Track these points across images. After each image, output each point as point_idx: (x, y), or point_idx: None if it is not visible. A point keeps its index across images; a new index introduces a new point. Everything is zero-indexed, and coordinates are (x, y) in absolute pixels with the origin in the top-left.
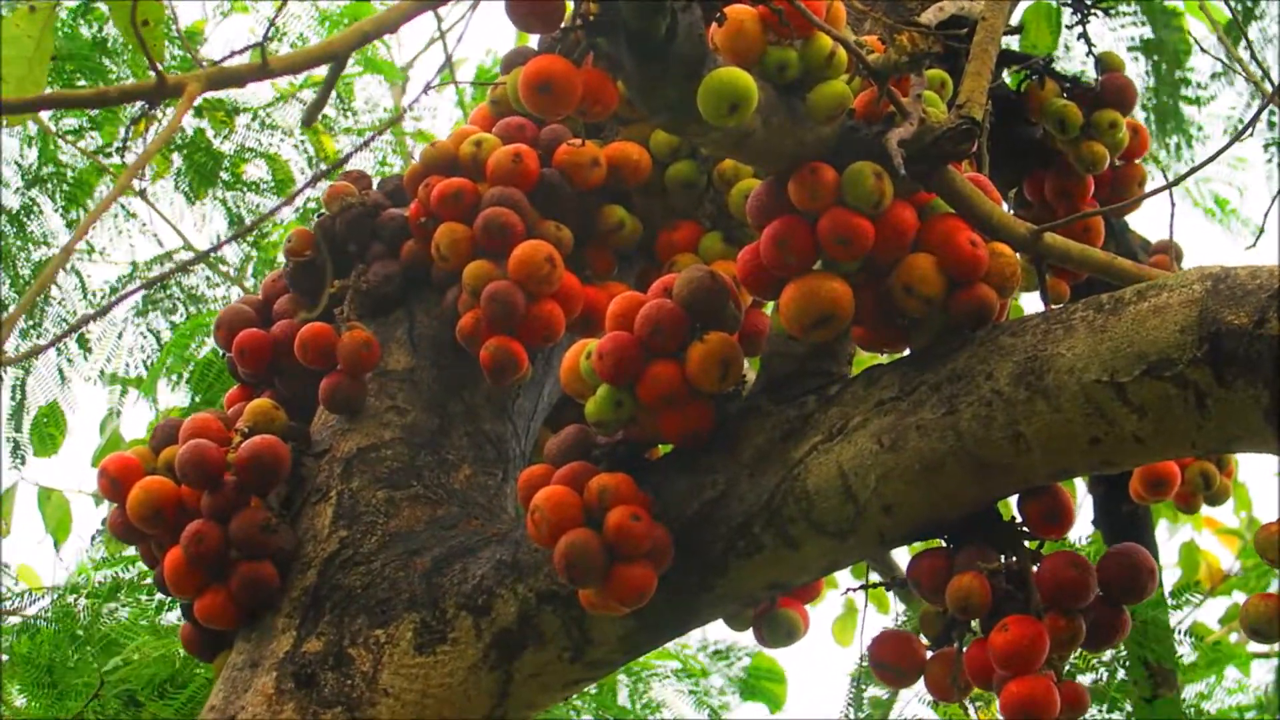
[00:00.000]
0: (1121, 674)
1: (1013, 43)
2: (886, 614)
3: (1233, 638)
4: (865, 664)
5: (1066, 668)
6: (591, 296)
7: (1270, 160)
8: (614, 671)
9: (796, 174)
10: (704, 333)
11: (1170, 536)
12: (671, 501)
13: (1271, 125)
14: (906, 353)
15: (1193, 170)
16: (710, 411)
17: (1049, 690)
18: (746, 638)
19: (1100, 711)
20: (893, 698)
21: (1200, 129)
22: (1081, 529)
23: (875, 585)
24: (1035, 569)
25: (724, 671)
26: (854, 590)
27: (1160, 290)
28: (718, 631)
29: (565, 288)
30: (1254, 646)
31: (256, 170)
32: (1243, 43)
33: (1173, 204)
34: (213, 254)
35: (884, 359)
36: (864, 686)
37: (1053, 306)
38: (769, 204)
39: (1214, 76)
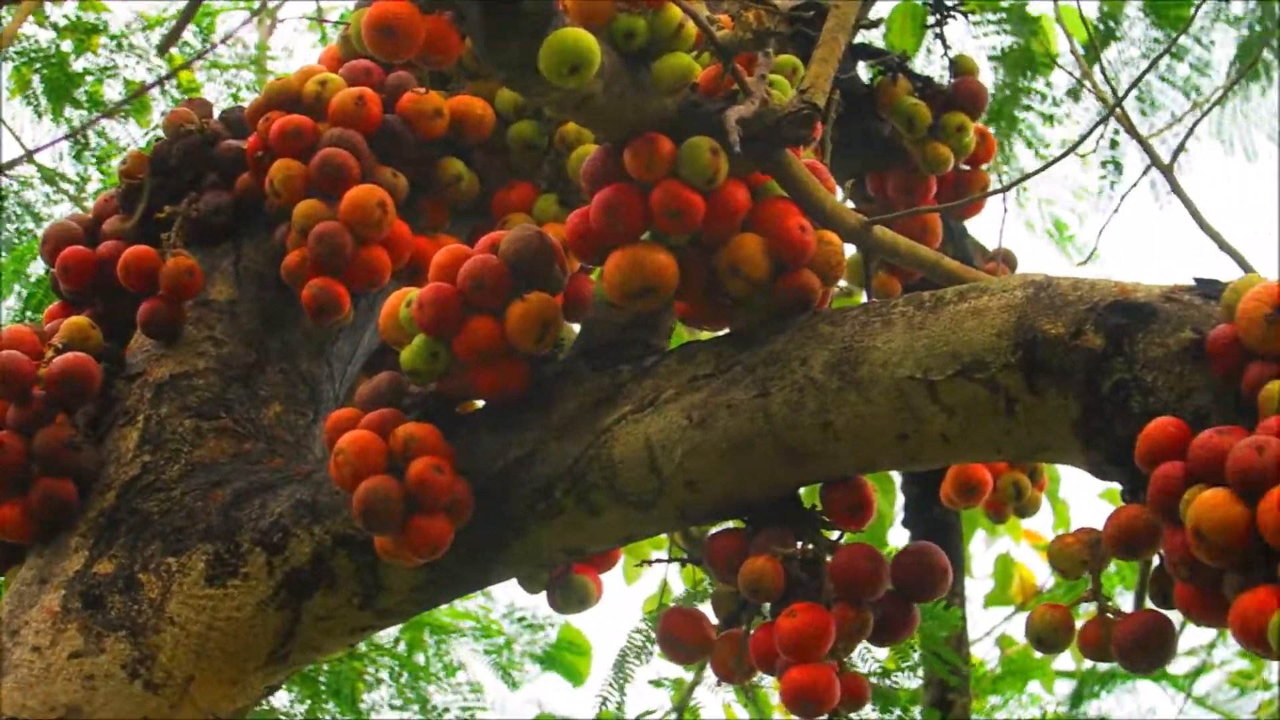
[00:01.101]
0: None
1: (875, 38)
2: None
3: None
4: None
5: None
6: (421, 247)
7: (1105, 178)
8: (403, 621)
9: (634, 143)
10: (526, 292)
11: (988, 548)
12: (477, 457)
13: (1113, 144)
14: (726, 332)
15: (1026, 177)
16: (525, 371)
17: (830, 680)
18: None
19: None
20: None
21: (1047, 145)
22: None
23: (680, 561)
24: (830, 559)
25: (528, 641)
26: (651, 563)
27: (982, 293)
28: (526, 600)
29: (395, 235)
30: (1060, 664)
31: (112, 92)
32: (1098, 65)
33: (1005, 210)
34: (33, 155)
35: (703, 336)
36: (630, 662)
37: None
38: (603, 170)
39: (1069, 93)
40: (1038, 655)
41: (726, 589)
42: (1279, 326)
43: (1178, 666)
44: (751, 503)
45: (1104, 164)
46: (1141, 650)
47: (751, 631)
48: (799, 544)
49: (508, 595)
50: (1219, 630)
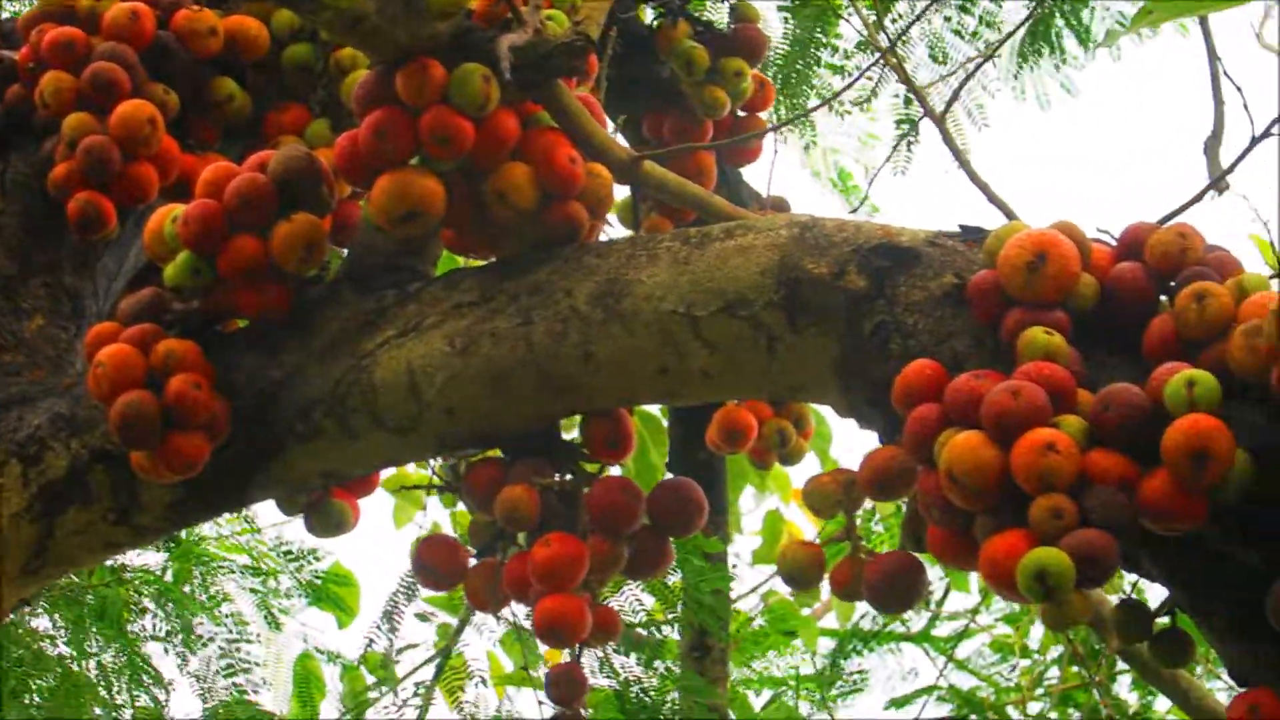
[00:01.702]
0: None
1: None
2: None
3: (805, 611)
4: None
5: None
6: (189, 164)
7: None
8: (158, 539)
9: (405, 66)
10: (292, 212)
11: (757, 505)
12: (238, 376)
13: (908, 102)
14: (492, 260)
15: (795, 118)
16: (289, 292)
17: (581, 610)
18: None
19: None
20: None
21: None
22: None
23: (438, 488)
24: (587, 491)
25: (294, 573)
26: (409, 489)
27: (748, 231)
28: (293, 532)
29: (164, 152)
30: (825, 621)
31: None
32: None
33: (776, 151)
34: None
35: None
36: (402, 598)
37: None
38: (374, 93)
39: (859, 46)
40: (790, 594)
41: (484, 518)
42: (1039, 274)
43: (941, 630)
44: (511, 433)
45: (898, 124)
46: (890, 590)
47: (506, 560)
48: (557, 475)
49: (276, 530)
50: (984, 596)
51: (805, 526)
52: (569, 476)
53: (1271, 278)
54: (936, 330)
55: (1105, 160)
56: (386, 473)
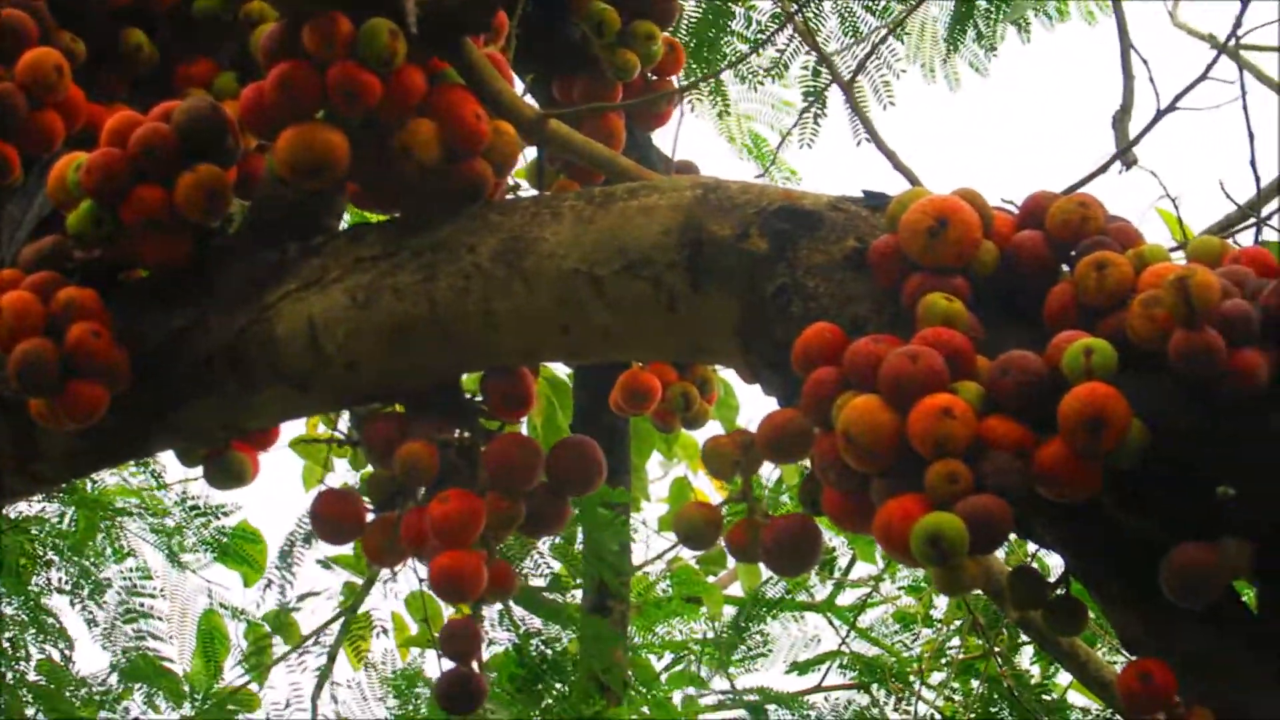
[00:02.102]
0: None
1: None
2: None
3: (710, 579)
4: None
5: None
6: (96, 114)
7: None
8: (58, 487)
9: (313, 19)
10: (196, 163)
11: (665, 473)
12: (139, 326)
13: (817, 74)
14: (397, 215)
15: (701, 79)
16: (191, 242)
17: (477, 566)
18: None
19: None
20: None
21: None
22: None
23: (338, 442)
24: (486, 448)
25: (199, 529)
26: (308, 441)
27: (652, 192)
28: (200, 488)
29: (70, 100)
30: (731, 590)
31: None
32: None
33: (682, 116)
34: None
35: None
36: (295, 549)
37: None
38: (281, 46)
39: (773, 18)
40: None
41: (383, 473)
42: (940, 239)
43: (844, 598)
44: (412, 388)
45: (805, 95)
46: (785, 552)
47: (404, 515)
48: (457, 432)
49: (181, 486)
50: (887, 565)
51: (712, 494)
52: (468, 433)
53: (1173, 250)
54: (837, 294)
55: (1019, 138)
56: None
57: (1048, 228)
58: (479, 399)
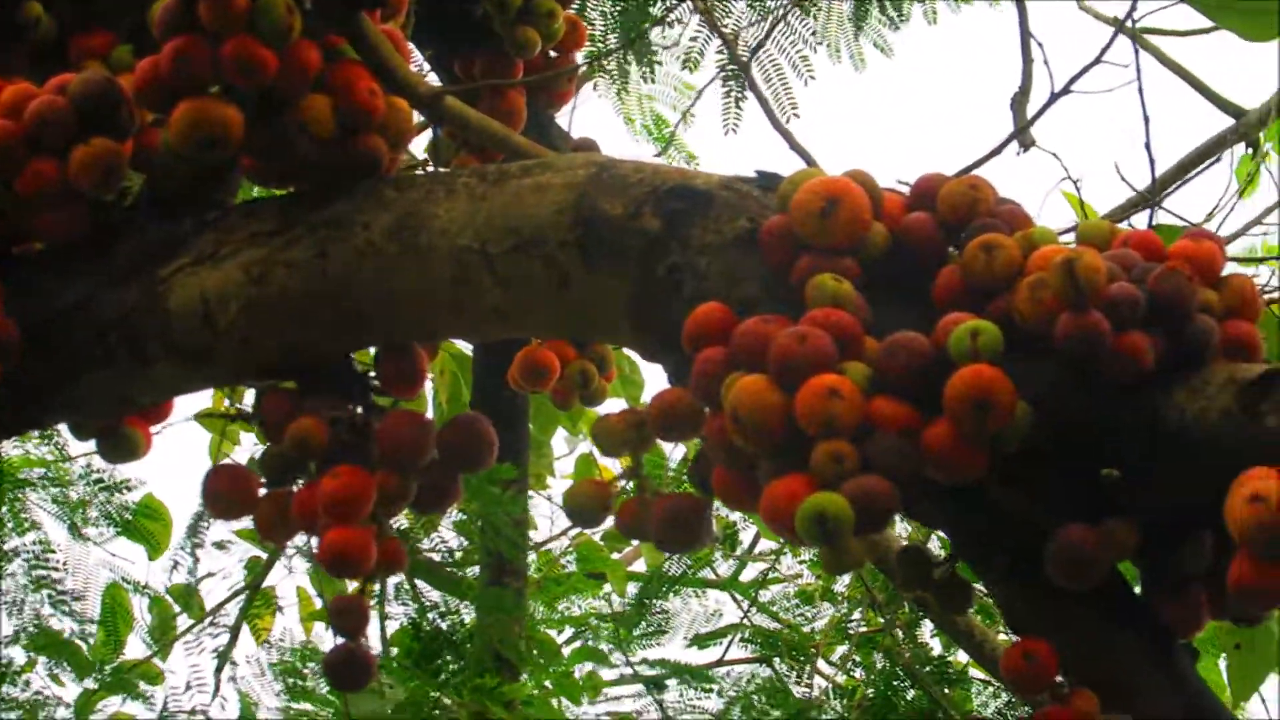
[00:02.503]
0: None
1: None
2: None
3: (615, 555)
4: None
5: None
6: None
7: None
8: None
9: None
10: (91, 136)
11: (570, 449)
12: (32, 299)
13: (720, 54)
14: (291, 191)
15: (599, 55)
16: (86, 216)
17: (367, 542)
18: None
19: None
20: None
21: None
22: None
23: (231, 417)
24: (378, 424)
25: (103, 504)
26: (207, 416)
27: (546, 170)
28: (101, 462)
29: None
30: (635, 567)
31: None
32: None
33: (576, 95)
34: None
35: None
36: (202, 524)
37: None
38: (176, 19)
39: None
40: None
41: (275, 449)
42: (831, 220)
43: (746, 574)
44: (306, 364)
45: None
46: (674, 530)
47: (296, 491)
48: (349, 407)
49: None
50: (785, 542)
51: (618, 470)
52: (362, 410)
53: (1063, 233)
54: (728, 273)
55: (925, 121)
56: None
57: (938, 209)
58: (373, 375)
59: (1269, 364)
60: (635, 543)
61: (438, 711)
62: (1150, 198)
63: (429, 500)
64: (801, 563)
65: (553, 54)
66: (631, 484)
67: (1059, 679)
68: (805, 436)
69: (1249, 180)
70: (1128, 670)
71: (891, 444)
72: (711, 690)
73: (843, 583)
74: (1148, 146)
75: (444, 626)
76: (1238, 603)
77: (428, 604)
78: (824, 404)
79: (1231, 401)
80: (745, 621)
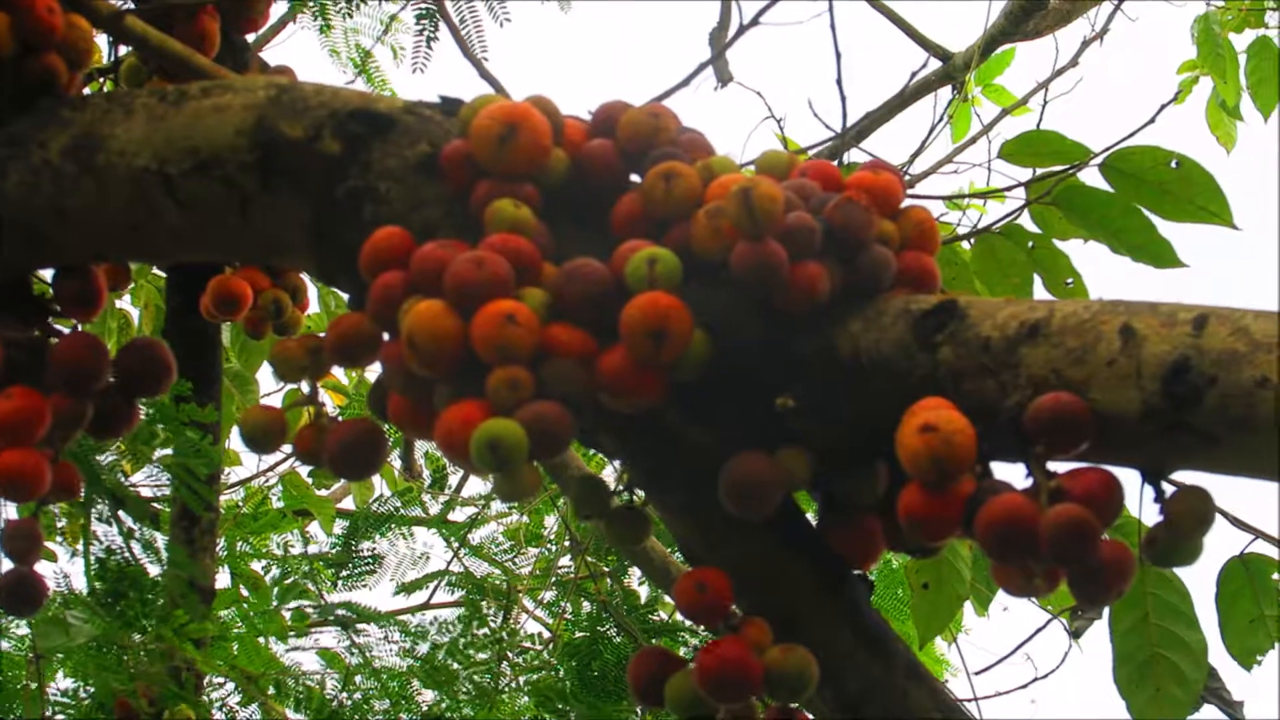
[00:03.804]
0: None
1: None
2: None
3: (322, 492)
4: None
5: None
6: None
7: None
8: None
9: None
10: None
11: (278, 384)
12: None
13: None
14: None
15: None
16: None
17: (42, 465)
18: None
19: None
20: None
21: None
22: None
23: None
24: (53, 346)
25: None
26: None
27: (226, 91)
28: None
29: None
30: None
31: None
32: None
33: (268, 18)
34: None
35: None
36: None
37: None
38: None
39: None
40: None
41: None
42: (509, 145)
43: (457, 515)
44: None
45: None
46: (348, 456)
47: None
48: (25, 329)
49: None
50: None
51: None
52: (39, 332)
53: (744, 165)
54: (409, 198)
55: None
56: None
57: (619, 137)
58: (49, 295)
59: (944, 294)
60: (343, 480)
61: (127, 652)
62: (841, 136)
63: (105, 425)
64: (512, 507)
65: None
66: (309, 409)
67: (732, 608)
68: (482, 363)
69: (950, 120)
70: (798, 599)
71: (566, 370)
72: (398, 633)
73: (550, 526)
74: (839, 83)
75: (132, 560)
76: (909, 533)
77: (126, 535)
78: (500, 330)
79: (906, 332)
80: (453, 564)
